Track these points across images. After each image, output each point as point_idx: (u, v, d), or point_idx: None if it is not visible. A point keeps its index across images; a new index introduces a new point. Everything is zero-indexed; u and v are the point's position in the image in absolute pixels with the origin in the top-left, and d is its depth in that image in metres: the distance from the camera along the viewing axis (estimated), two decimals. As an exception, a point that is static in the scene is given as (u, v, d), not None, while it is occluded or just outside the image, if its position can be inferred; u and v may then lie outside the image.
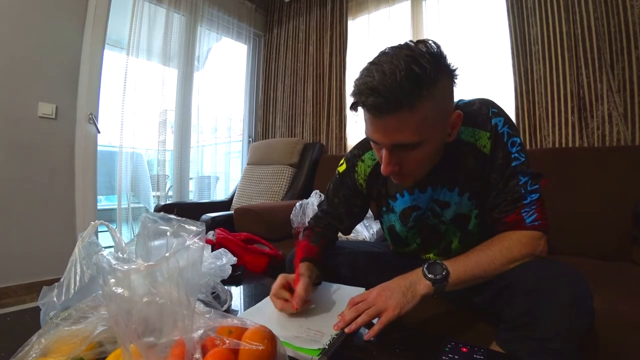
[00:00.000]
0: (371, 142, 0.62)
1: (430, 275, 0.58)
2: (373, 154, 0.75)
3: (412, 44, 0.54)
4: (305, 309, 0.62)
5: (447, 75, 0.56)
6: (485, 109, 0.65)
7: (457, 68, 0.57)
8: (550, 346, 0.53)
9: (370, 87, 0.52)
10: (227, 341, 0.34)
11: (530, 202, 0.61)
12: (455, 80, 0.58)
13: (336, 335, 0.52)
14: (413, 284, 0.58)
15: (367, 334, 0.55)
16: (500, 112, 0.65)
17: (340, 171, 0.82)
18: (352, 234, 1.29)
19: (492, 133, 0.63)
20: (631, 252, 1.04)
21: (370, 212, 1.53)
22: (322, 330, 0.54)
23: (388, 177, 0.70)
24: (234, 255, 0.81)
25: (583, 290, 0.54)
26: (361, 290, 0.70)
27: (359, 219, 0.87)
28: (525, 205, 0.61)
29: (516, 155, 0.63)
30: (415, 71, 0.50)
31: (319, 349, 0.48)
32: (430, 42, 0.54)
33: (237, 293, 0.80)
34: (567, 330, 0.52)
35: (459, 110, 0.60)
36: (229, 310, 0.68)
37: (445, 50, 0.55)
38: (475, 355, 0.47)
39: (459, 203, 0.69)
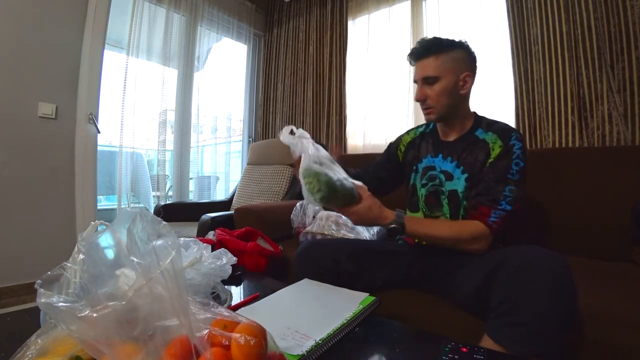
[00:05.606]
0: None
1: (396, 213, 0.78)
2: (416, 131, 1.05)
3: None
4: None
5: (461, 50, 0.85)
6: (513, 132, 0.84)
7: (474, 52, 0.88)
8: (533, 329, 0.54)
9: (416, 45, 0.88)
10: (222, 334, 0.34)
11: (502, 209, 0.76)
12: (471, 56, 0.87)
13: (321, 341, 0.50)
14: (382, 217, 0.77)
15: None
16: (522, 141, 0.82)
17: (391, 142, 1.11)
18: (352, 235, 1.30)
19: (505, 145, 0.81)
20: (631, 252, 1.04)
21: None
22: (310, 334, 0.51)
23: (421, 144, 0.99)
24: (234, 255, 0.81)
25: (562, 271, 0.56)
26: (363, 295, 0.69)
27: (386, 185, 1.09)
28: (499, 209, 0.76)
29: (515, 171, 0.78)
30: (439, 39, 0.86)
31: (297, 354, 0.46)
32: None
33: (237, 293, 0.80)
34: (549, 312, 0.54)
35: (468, 73, 0.86)
36: (229, 310, 0.68)
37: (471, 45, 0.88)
38: (475, 355, 0.47)
39: (459, 179, 0.86)
